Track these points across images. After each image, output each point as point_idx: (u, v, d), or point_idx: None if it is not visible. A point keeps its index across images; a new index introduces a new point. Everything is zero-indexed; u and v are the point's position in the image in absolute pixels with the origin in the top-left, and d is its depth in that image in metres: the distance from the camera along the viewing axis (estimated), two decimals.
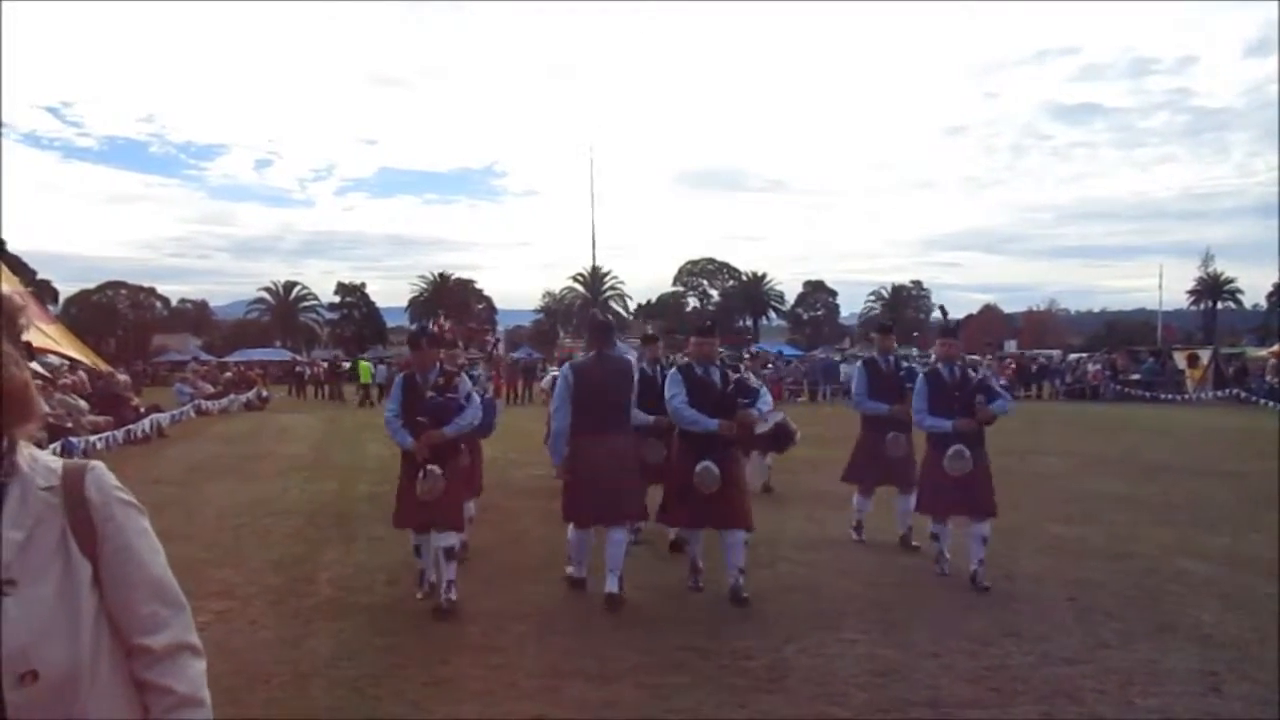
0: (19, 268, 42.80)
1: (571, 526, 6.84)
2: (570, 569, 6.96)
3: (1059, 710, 4.59)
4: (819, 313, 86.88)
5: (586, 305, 79.28)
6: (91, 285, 76.78)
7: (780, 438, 10.89)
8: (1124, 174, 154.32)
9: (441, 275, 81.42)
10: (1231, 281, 75.29)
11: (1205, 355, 35.08)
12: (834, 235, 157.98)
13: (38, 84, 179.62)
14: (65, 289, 73.27)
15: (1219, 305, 75.69)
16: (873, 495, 8.52)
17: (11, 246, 57.22)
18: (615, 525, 6.52)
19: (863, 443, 8.48)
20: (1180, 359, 35.52)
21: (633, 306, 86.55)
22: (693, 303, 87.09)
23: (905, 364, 8.57)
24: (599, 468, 6.49)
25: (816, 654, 5.43)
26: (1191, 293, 76.08)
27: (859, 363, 9.08)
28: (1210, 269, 74.91)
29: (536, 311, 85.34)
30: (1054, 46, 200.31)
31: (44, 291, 58.86)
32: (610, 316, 9.05)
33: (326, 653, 5.48)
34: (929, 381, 7.21)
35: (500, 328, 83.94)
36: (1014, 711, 4.59)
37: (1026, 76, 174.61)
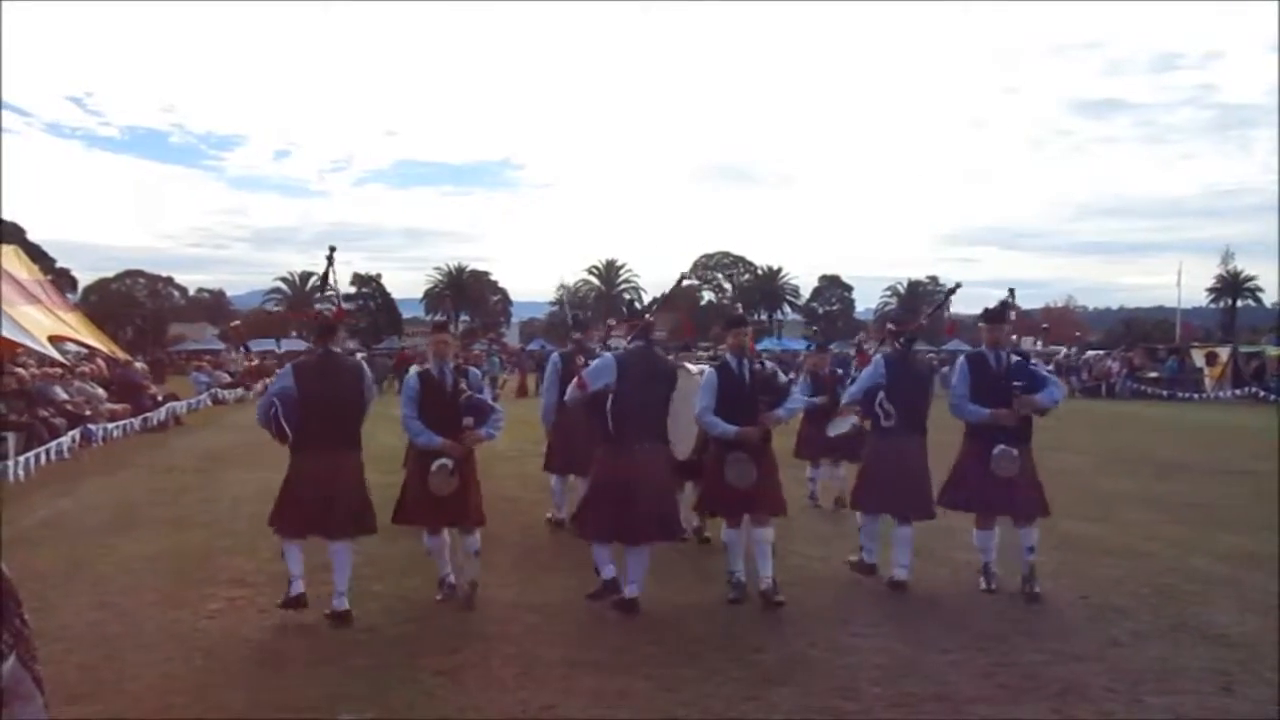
0: (39, 256, 43.11)
1: (554, 477, 8.85)
2: (550, 513, 8.95)
3: (1069, 708, 4.59)
4: (834, 307, 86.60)
5: (601, 297, 79.33)
6: (110, 274, 77.36)
7: (856, 444, 9.04)
8: (1145, 170, 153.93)
9: (458, 267, 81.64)
10: (1252, 279, 74.68)
11: (1224, 353, 34.81)
12: (851, 229, 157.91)
13: (61, 74, 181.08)
14: (84, 277, 73.84)
15: (1239, 303, 75.00)
16: (994, 527, 6.81)
17: (33, 235, 57.70)
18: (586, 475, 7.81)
19: (965, 456, 6.88)
20: (1199, 357, 35.27)
21: (647, 299, 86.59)
22: (708, 296, 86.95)
23: (1030, 362, 6.90)
24: (576, 432, 7.70)
25: (828, 648, 5.44)
26: (1211, 290, 75.45)
27: (961, 358, 7.19)
28: (1230, 266, 74.32)
29: (551, 304, 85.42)
30: (1076, 41, 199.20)
31: (63, 280, 59.24)
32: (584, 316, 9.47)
33: (339, 641, 5.53)
34: (970, 365, 6.84)
35: (514, 319, 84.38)
36: (1024, 708, 4.59)
37: (1048, 71, 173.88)
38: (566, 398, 6.68)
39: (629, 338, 6.85)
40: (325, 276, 6.50)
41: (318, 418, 5.95)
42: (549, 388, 8.59)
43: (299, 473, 6.04)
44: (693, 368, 7.37)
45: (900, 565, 6.80)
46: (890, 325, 7.99)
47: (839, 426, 8.87)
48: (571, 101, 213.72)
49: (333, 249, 6.42)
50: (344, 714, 4.47)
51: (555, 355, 9.03)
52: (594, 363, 6.52)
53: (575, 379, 6.39)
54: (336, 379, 6.12)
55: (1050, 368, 6.81)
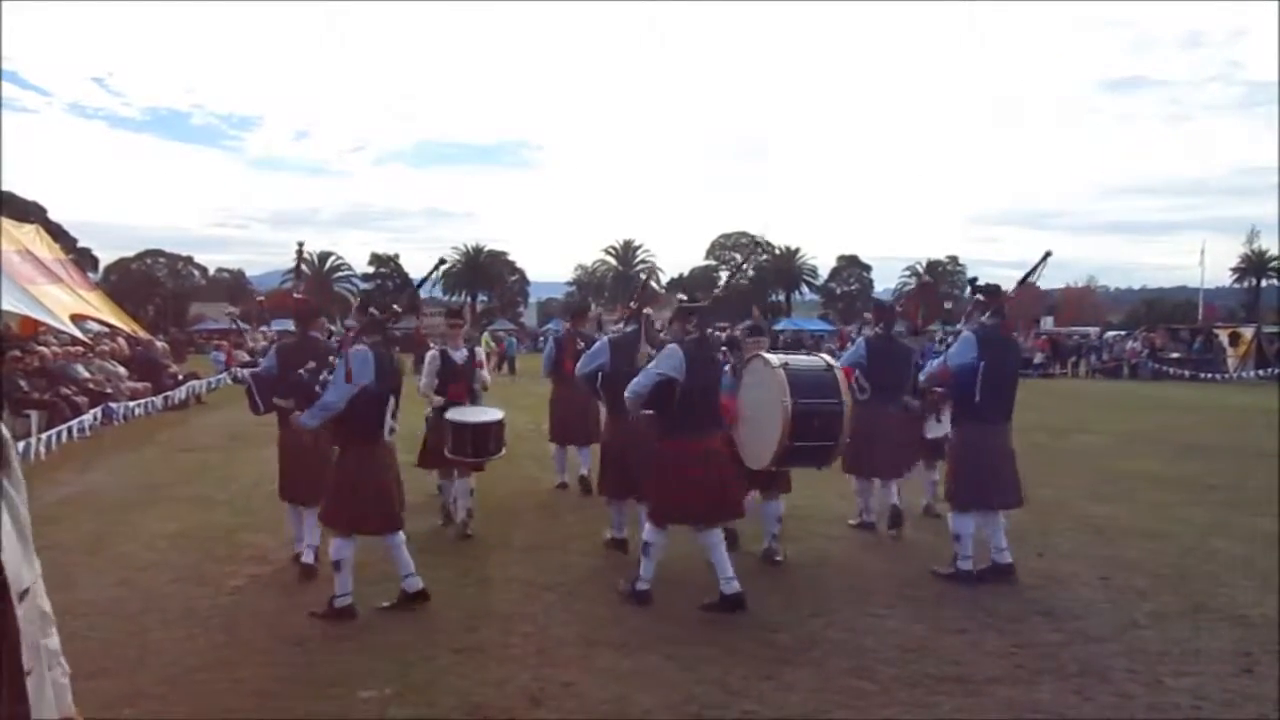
0: (60, 235, 43.37)
1: (555, 446, 9.87)
2: (558, 478, 9.75)
3: (1088, 689, 4.57)
4: (853, 287, 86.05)
5: (618, 278, 79.25)
6: (131, 253, 77.77)
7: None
8: (1171, 148, 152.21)
9: (475, 247, 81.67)
10: (1276, 259, 73.58)
11: (1247, 333, 34.45)
12: (873, 209, 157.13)
13: (83, 55, 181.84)
14: (105, 257, 74.13)
15: (1263, 283, 74.04)
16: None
17: (54, 215, 58.05)
18: (583, 445, 9.53)
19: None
20: (1222, 337, 34.90)
21: (665, 280, 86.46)
22: (725, 276, 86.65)
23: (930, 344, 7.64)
24: (575, 405, 9.09)
25: (845, 628, 5.44)
26: (1235, 270, 74.52)
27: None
28: (1255, 246, 73.28)
29: (569, 284, 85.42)
30: (1103, 17, 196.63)
31: (84, 259, 59.60)
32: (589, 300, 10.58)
33: (358, 618, 5.56)
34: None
35: (532, 299, 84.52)
36: (1042, 689, 4.57)
37: (1075, 48, 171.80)
38: (576, 374, 7.44)
39: (624, 323, 7.59)
40: (296, 268, 7.39)
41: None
42: (547, 362, 9.78)
43: (282, 446, 6.77)
44: (773, 359, 6.24)
45: (893, 499, 7.71)
46: (871, 311, 8.63)
47: (938, 427, 7.84)
48: (590, 82, 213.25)
49: (300, 244, 7.58)
50: (363, 691, 4.50)
51: (552, 339, 10.52)
52: (593, 346, 7.40)
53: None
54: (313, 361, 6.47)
55: (936, 345, 6.72)
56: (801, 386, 6.00)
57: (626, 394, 5.91)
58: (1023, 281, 6.72)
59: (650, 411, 5.94)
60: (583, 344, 8.57)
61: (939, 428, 7.76)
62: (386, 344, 5.78)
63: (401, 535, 5.78)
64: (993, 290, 6.67)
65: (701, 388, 5.80)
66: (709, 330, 6.38)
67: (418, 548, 7.15)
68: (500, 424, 7.61)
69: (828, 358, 6.58)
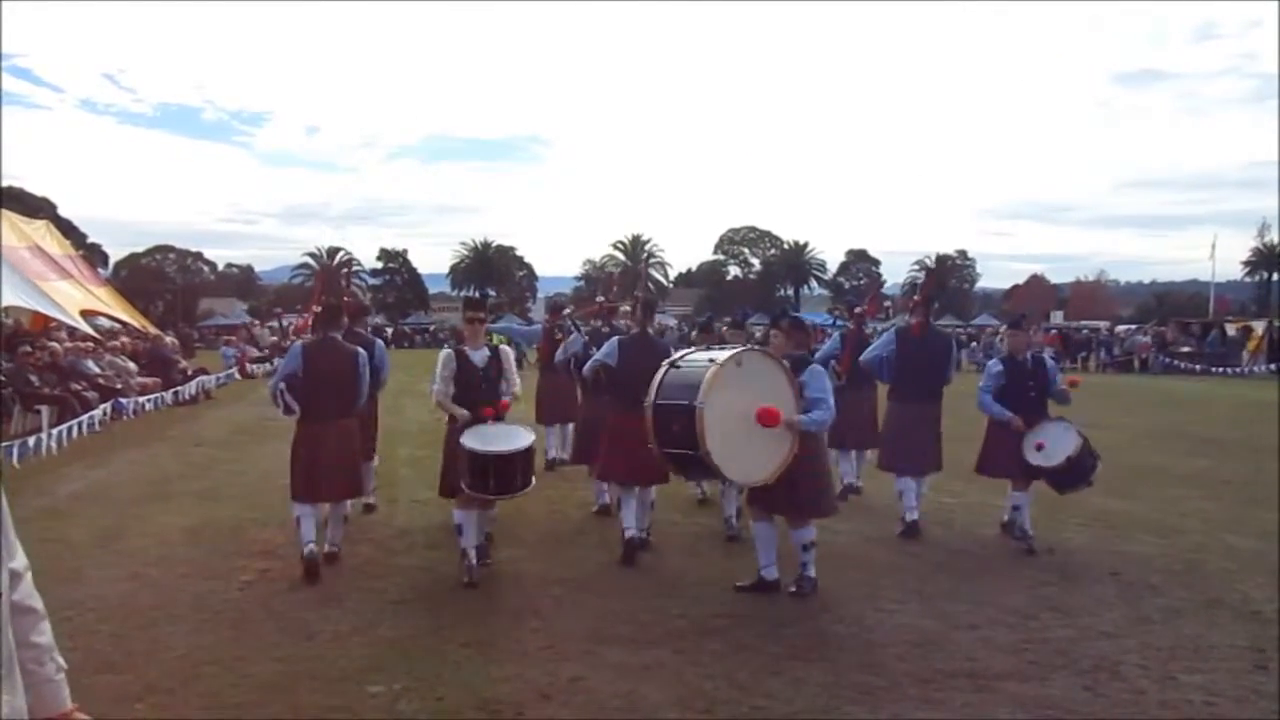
0: (70, 231, 43.58)
1: (542, 426, 10.41)
2: (548, 454, 10.40)
3: (1100, 684, 4.55)
4: (861, 282, 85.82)
5: (627, 272, 79.19)
6: (141, 249, 78.01)
7: (1062, 474, 7.18)
8: (1183, 141, 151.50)
9: (484, 242, 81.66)
10: None
11: (1259, 327, 34.25)
12: (883, 203, 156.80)
13: (95, 51, 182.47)
14: (115, 253, 74.37)
15: (1274, 276, 73.63)
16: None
17: (64, 211, 58.32)
18: (566, 423, 10.38)
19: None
20: (1231, 330, 34.70)
21: (673, 275, 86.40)
22: (733, 271, 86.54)
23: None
24: (555, 388, 10.16)
25: (854, 624, 5.42)
26: (1246, 263, 74.15)
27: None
28: (1266, 239, 72.84)
29: (577, 279, 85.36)
30: (1114, 10, 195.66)
31: (94, 255, 59.79)
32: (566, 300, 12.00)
33: (367, 613, 5.56)
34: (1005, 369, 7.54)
35: (540, 295, 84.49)
36: (1054, 684, 4.55)
37: (1085, 40, 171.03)
38: (556, 359, 8.87)
39: (598, 320, 9.15)
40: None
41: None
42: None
43: None
44: (684, 351, 6.15)
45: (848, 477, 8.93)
46: (845, 308, 9.58)
47: (1055, 450, 7.05)
48: (599, 77, 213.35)
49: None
50: (372, 685, 4.50)
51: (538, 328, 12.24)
52: (569, 338, 8.72)
53: None
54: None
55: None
56: (671, 385, 5.66)
57: (583, 371, 7.36)
58: (875, 296, 8.26)
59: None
60: (560, 335, 9.63)
61: (1041, 455, 7.08)
62: (325, 339, 6.81)
63: (344, 505, 6.84)
64: (908, 292, 7.74)
65: (635, 375, 6.39)
66: (649, 327, 7.32)
67: (425, 543, 7.19)
68: (529, 452, 6.21)
69: (731, 353, 5.69)
